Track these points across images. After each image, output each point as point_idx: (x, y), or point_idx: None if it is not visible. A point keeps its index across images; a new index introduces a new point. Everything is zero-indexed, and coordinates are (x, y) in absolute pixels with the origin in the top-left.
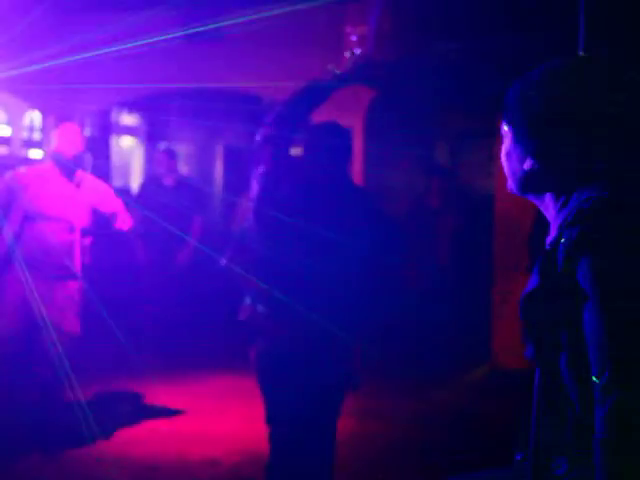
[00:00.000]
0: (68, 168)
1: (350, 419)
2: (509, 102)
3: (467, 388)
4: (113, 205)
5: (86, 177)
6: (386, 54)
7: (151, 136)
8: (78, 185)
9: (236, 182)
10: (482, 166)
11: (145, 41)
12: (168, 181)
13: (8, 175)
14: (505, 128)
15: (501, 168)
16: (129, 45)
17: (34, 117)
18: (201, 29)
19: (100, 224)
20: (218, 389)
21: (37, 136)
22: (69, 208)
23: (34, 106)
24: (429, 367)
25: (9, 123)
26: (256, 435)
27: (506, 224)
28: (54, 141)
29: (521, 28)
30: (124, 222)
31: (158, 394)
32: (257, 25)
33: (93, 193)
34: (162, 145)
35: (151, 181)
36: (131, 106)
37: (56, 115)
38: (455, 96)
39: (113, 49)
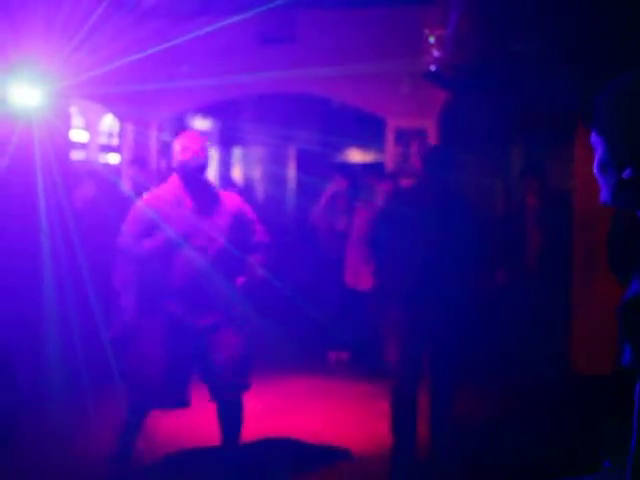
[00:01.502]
0: (197, 181)
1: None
2: (599, 111)
3: (545, 393)
4: (251, 215)
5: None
6: (464, 56)
7: (224, 140)
8: (214, 199)
9: (308, 184)
10: (561, 167)
11: (219, 46)
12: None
13: (139, 205)
14: (596, 138)
15: (580, 169)
16: (203, 51)
17: (111, 122)
18: (275, 34)
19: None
20: (296, 390)
21: (114, 141)
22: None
23: (111, 112)
24: (506, 369)
25: (86, 128)
26: (334, 436)
27: (586, 226)
28: (176, 153)
29: (603, 31)
30: (263, 233)
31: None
32: (332, 29)
33: (230, 205)
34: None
35: None
36: (205, 110)
37: (132, 121)
38: (534, 97)
39: (188, 55)
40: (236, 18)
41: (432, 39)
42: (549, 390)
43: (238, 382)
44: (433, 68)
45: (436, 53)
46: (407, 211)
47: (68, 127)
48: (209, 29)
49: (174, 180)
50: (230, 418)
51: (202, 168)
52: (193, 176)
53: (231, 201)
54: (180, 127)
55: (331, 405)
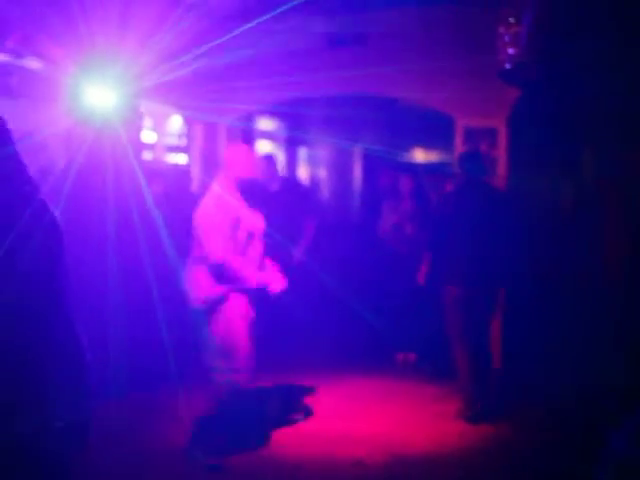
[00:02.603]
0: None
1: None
2: None
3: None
4: None
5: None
6: (539, 54)
7: (291, 140)
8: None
9: (374, 185)
10: (634, 170)
11: (289, 48)
12: (272, 187)
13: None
14: None
15: None
16: (273, 52)
17: (178, 123)
18: (345, 36)
19: None
20: (363, 391)
21: (182, 142)
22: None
23: (179, 113)
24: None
25: (154, 129)
26: (400, 437)
27: None
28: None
29: None
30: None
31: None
32: (401, 29)
33: None
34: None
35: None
36: (271, 111)
37: (201, 122)
38: (606, 97)
39: (257, 57)
40: (306, 21)
41: (507, 37)
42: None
43: None
44: (508, 66)
45: (511, 51)
46: (452, 211)
47: (140, 128)
48: (279, 31)
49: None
50: None
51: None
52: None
53: None
54: (247, 129)
55: (397, 406)
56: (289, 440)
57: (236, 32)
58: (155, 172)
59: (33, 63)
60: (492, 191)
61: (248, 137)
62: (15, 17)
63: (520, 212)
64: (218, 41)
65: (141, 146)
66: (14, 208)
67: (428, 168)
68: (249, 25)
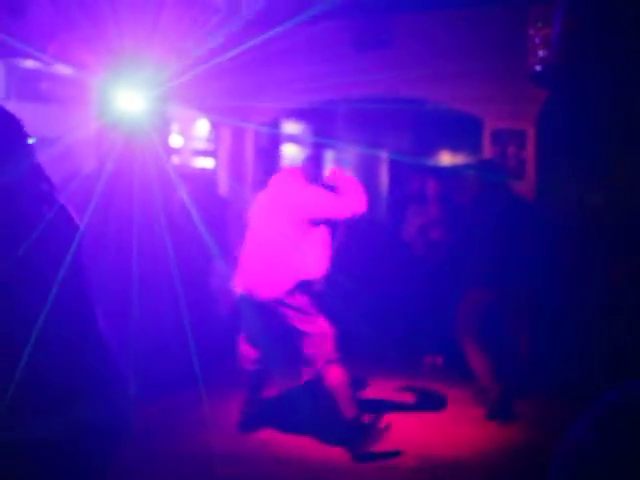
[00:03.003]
0: None
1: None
2: None
3: None
4: None
5: None
6: (570, 56)
7: (316, 145)
8: None
9: (401, 188)
10: None
11: (315, 52)
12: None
13: None
14: None
15: None
16: (299, 56)
17: (205, 127)
18: (371, 39)
19: None
20: (390, 394)
21: (208, 146)
22: None
23: (206, 117)
24: None
25: (181, 133)
26: (427, 439)
27: None
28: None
29: None
30: None
31: None
32: (428, 31)
33: None
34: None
35: None
36: (297, 115)
37: (228, 126)
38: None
39: (283, 60)
40: (332, 24)
41: (537, 39)
42: None
43: None
44: (538, 68)
45: (541, 53)
46: (472, 217)
47: (168, 132)
48: (305, 35)
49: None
50: None
51: None
52: None
53: None
54: (275, 132)
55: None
56: (315, 441)
57: (263, 36)
58: (182, 176)
59: (63, 68)
60: (512, 196)
61: (276, 141)
62: (54, 23)
63: (541, 216)
64: (245, 45)
65: (169, 150)
66: (30, 206)
67: (455, 171)
68: (276, 29)
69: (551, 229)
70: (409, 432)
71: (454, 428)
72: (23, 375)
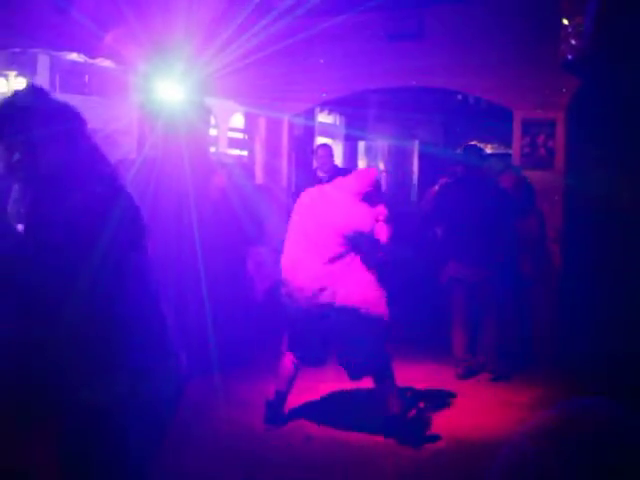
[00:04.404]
0: None
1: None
2: None
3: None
4: None
5: None
6: (602, 45)
7: (350, 134)
8: None
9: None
10: None
11: (348, 43)
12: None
13: None
14: None
15: None
16: (332, 48)
17: (241, 118)
18: (403, 30)
19: None
20: (420, 376)
21: (244, 136)
22: None
23: (242, 107)
24: None
25: (217, 123)
26: (461, 423)
27: None
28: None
29: None
30: None
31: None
32: (459, 22)
33: None
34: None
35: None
36: (332, 106)
37: (263, 116)
38: None
39: (317, 52)
40: (365, 16)
41: (570, 28)
42: None
43: None
44: (570, 57)
45: (574, 42)
46: (454, 198)
47: (208, 122)
48: (338, 27)
49: None
50: None
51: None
52: None
53: None
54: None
55: (459, 394)
56: (351, 425)
57: (297, 28)
58: (219, 165)
59: (105, 62)
60: (488, 182)
61: (309, 132)
62: (98, 19)
63: (520, 205)
64: (279, 37)
65: (208, 139)
66: (99, 195)
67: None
68: (310, 21)
69: (523, 216)
70: (445, 416)
71: (490, 411)
72: (113, 347)
